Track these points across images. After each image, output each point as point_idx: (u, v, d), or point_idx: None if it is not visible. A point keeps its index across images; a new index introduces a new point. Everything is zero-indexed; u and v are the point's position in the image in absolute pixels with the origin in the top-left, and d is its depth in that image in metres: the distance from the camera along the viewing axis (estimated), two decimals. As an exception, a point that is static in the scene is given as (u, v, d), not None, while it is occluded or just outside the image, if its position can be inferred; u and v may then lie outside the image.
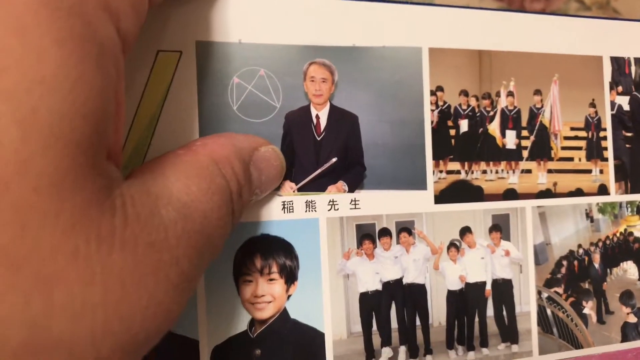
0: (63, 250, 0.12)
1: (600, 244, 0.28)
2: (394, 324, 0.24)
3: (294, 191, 0.23)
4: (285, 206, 0.23)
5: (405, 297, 0.25)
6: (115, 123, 0.14)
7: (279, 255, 0.23)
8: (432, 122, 0.25)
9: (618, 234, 0.28)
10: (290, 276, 0.23)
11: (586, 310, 0.27)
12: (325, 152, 0.23)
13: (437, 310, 0.25)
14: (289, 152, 0.23)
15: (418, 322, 0.25)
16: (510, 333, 0.26)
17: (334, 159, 0.23)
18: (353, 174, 0.24)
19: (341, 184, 0.24)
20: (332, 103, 0.24)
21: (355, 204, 0.24)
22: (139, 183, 0.15)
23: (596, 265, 0.28)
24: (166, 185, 0.16)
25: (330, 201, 0.23)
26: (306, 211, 0.23)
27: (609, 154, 0.28)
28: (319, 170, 0.23)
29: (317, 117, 0.23)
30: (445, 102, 0.25)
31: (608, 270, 0.28)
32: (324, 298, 0.23)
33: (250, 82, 0.22)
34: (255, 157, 0.20)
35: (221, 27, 0.22)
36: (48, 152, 0.11)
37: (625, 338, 0.28)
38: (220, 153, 0.18)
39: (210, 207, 0.16)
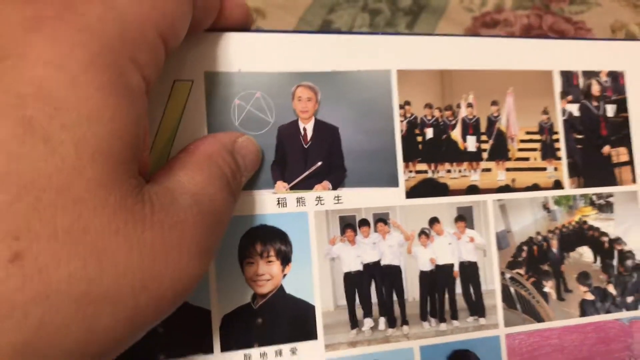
0: (108, 230, 0.17)
1: (557, 231, 0.32)
2: (374, 298, 0.29)
3: (286, 190, 0.28)
4: (280, 202, 0.28)
5: (383, 276, 0.29)
6: (143, 145, 0.20)
7: (276, 241, 0.28)
8: (401, 130, 0.30)
9: (573, 223, 0.33)
10: (285, 258, 0.28)
11: (546, 289, 0.32)
12: (312, 157, 0.29)
13: (412, 288, 0.30)
14: (282, 159, 0.28)
15: (395, 298, 0.29)
16: (477, 308, 0.30)
17: (319, 163, 0.29)
18: (336, 175, 0.29)
19: (326, 183, 0.29)
20: (317, 117, 0.29)
21: (338, 200, 0.29)
22: (157, 183, 0.21)
23: (554, 249, 0.32)
24: (178, 180, 0.21)
25: (317, 197, 0.29)
26: (297, 206, 0.28)
27: (562, 153, 0.33)
28: (307, 172, 0.29)
29: (305, 129, 0.29)
30: (412, 114, 0.30)
31: (565, 254, 0.32)
32: (314, 277, 0.28)
33: (248, 103, 0.28)
34: (236, 146, 0.25)
35: (224, 59, 0.28)
36: (95, 164, 0.17)
37: (583, 313, 0.32)
38: (210, 149, 0.24)
39: (214, 191, 0.22)
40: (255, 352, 0.27)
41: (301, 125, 0.29)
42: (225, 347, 0.27)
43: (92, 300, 0.17)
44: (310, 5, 0.52)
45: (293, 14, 0.52)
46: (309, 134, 0.29)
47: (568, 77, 0.33)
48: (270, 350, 0.27)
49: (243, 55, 0.28)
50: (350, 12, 0.52)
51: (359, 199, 0.29)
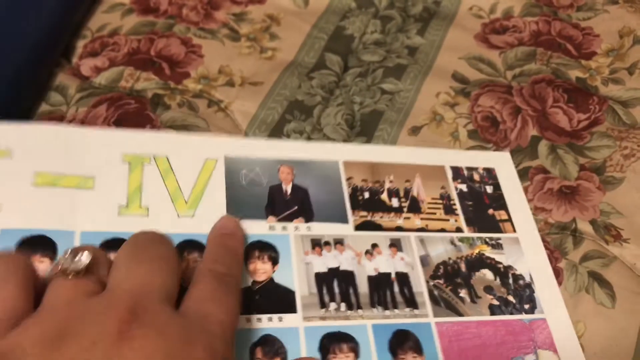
0: None
1: (463, 258, 0.47)
2: (337, 290, 0.42)
3: (275, 221, 0.44)
4: (271, 227, 0.43)
5: (342, 277, 0.43)
6: None
7: (268, 250, 0.42)
8: (348, 194, 0.47)
9: (475, 254, 0.47)
10: (274, 261, 0.42)
11: (462, 295, 0.44)
12: (291, 205, 0.45)
13: (362, 287, 0.43)
14: (271, 204, 0.45)
15: (351, 291, 0.42)
16: (412, 302, 0.43)
17: (295, 207, 0.45)
18: (307, 215, 0.45)
19: (301, 219, 0.45)
20: (294, 182, 0.46)
21: (309, 229, 0.44)
22: None
23: (463, 270, 0.46)
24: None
25: (295, 227, 0.44)
26: (282, 230, 0.44)
27: (459, 211, 0.49)
28: (287, 212, 0.45)
29: (286, 189, 0.46)
30: (355, 184, 0.48)
31: (472, 273, 0.46)
32: (294, 274, 0.42)
33: (251, 172, 0.46)
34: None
35: (238, 146, 0.47)
36: None
37: (493, 313, 0.44)
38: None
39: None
40: (253, 317, 0.39)
41: (284, 186, 0.46)
42: (234, 311, 0.39)
43: None
44: (323, 12, 0.56)
45: (306, 20, 0.56)
46: (289, 191, 0.46)
47: (456, 169, 0.52)
48: (264, 317, 0.39)
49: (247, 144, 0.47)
50: (362, 19, 0.57)
51: (323, 229, 0.45)
